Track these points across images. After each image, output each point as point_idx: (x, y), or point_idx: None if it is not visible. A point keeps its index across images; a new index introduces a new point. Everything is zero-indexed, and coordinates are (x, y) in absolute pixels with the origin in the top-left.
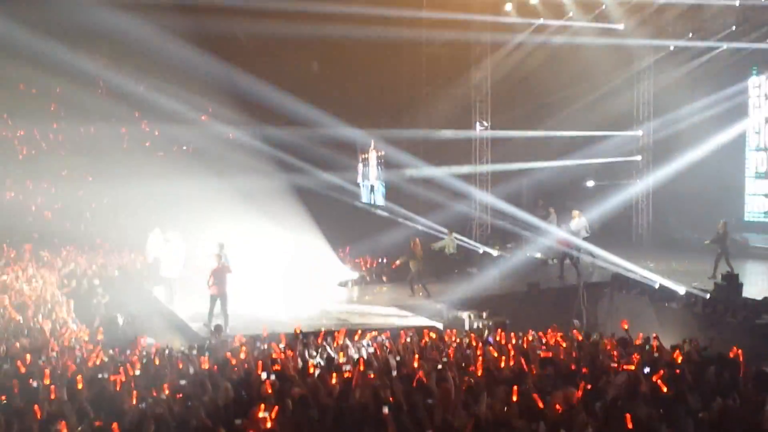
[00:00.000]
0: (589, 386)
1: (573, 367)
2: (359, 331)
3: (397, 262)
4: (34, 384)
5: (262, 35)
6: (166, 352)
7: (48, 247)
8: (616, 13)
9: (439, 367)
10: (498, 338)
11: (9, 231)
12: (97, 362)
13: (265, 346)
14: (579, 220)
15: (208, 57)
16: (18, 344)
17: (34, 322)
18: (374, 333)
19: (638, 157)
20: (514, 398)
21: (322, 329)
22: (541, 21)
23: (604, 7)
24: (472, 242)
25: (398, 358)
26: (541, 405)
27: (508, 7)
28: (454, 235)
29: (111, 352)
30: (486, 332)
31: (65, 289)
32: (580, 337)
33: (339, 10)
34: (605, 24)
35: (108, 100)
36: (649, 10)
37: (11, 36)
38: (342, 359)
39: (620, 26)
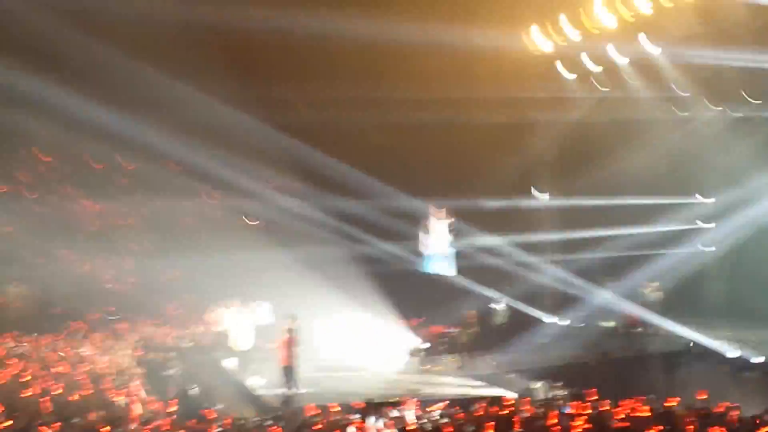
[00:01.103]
0: None
1: None
2: (430, 402)
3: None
4: None
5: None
6: (240, 422)
7: (122, 320)
8: (681, 82)
9: None
10: (572, 408)
11: (84, 304)
12: None
13: (334, 416)
14: (653, 293)
15: (273, 130)
16: (94, 416)
17: (109, 394)
18: (446, 403)
19: (711, 225)
20: None
21: (394, 399)
22: (606, 90)
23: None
24: (541, 312)
25: (471, 429)
26: None
27: (571, 77)
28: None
29: (186, 423)
30: (561, 402)
31: (139, 361)
32: (657, 408)
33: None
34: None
35: (177, 174)
36: (716, 78)
37: (77, 109)
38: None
39: (686, 94)
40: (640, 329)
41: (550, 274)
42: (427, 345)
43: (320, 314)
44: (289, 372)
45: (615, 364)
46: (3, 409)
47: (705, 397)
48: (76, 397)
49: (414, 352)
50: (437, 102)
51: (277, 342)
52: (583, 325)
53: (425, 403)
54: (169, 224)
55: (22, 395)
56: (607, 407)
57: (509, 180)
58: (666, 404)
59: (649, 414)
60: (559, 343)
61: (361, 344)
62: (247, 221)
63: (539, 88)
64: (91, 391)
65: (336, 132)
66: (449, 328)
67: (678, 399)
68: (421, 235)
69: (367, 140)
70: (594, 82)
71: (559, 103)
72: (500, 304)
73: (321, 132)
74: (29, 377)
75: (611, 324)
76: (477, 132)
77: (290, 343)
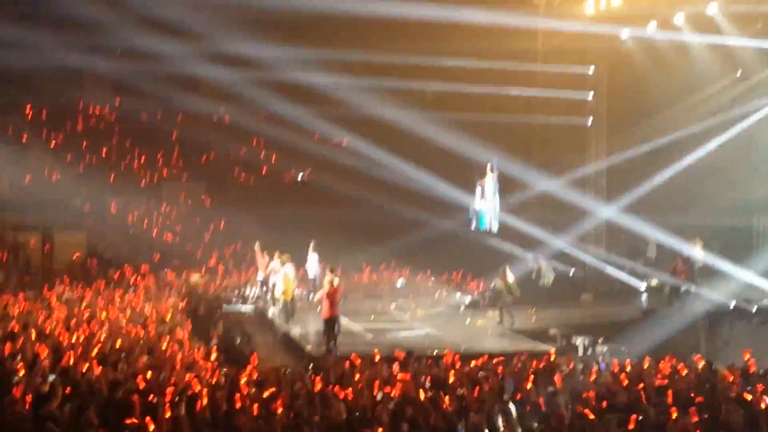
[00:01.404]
0: (705, 416)
1: (691, 395)
2: (471, 356)
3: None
4: (154, 400)
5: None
6: (282, 370)
7: (168, 268)
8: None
9: (551, 390)
10: (612, 365)
11: (132, 253)
12: (214, 380)
13: (375, 367)
14: (698, 250)
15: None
16: (138, 361)
17: (153, 341)
18: (486, 356)
19: None
20: (631, 426)
21: (435, 351)
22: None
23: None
24: (587, 267)
25: (512, 383)
26: None
27: (624, 34)
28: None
29: (226, 370)
30: (600, 358)
31: (184, 308)
32: (699, 366)
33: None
34: None
35: (226, 127)
36: None
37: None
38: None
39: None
40: (684, 287)
41: (601, 232)
42: (469, 299)
43: (363, 267)
44: (330, 323)
45: (658, 322)
46: (48, 352)
47: (748, 356)
48: (119, 343)
49: (456, 306)
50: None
51: (320, 294)
52: (631, 283)
53: (466, 356)
54: (218, 175)
55: (68, 341)
56: (647, 365)
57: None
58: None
59: (690, 372)
60: (601, 299)
61: (402, 297)
62: (300, 179)
63: None
64: (136, 338)
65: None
66: (491, 283)
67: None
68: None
69: (424, 101)
70: None
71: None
72: (542, 261)
73: (379, 90)
74: (75, 323)
75: (655, 281)
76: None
77: (332, 295)
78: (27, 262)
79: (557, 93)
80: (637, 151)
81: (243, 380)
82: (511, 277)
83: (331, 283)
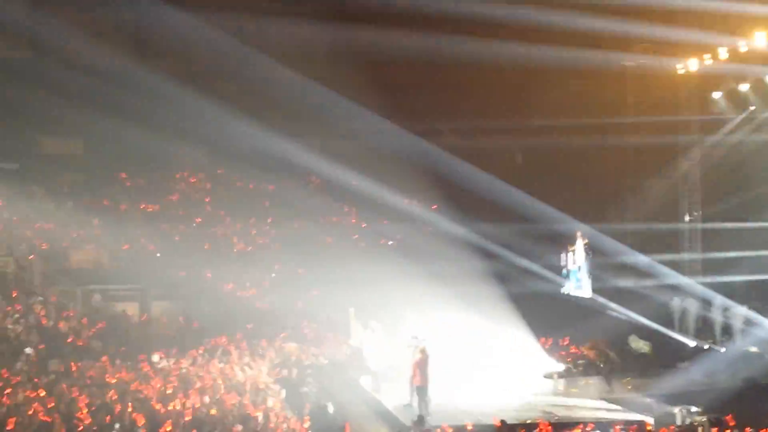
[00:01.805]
0: None
1: None
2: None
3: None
4: None
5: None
6: None
7: (261, 337)
8: None
9: None
10: None
11: (227, 321)
12: None
13: None
14: None
15: (417, 152)
16: (235, 430)
17: (247, 410)
18: (581, 426)
19: None
20: None
21: (528, 420)
22: (752, 108)
23: None
24: (681, 335)
25: None
26: None
27: (717, 95)
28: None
29: None
30: (700, 429)
31: (276, 377)
32: None
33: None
34: None
35: (316, 194)
36: None
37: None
38: None
39: None
40: None
41: (695, 296)
42: (563, 366)
43: (455, 333)
44: (421, 392)
45: (758, 391)
46: (144, 421)
47: None
48: (214, 411)
49: (549, 374)
50: (584, 125)
51: (410, 362)
52: (728, 350)
53: (560, 425)
54: (310, 244)
55: (164, 409)
56: None
57: (655, 202)
58: None
59: None
60: (699, 368)
61: (496, 364)
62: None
63: (685, 107)
64: (230, 407)
65: (481, 155)
66: (586, 351)
67: None
68: (564, 255)
69: (512, 164)
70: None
71: (706, 124)
72: (638, 341)
73: (466, 154)
74: (171, 392)
75: (755, 349)
76: (623, 154)
77: (423, 363)
78: (125, 331)
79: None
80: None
81: None
82: (609, 347)
83: (422, 350)
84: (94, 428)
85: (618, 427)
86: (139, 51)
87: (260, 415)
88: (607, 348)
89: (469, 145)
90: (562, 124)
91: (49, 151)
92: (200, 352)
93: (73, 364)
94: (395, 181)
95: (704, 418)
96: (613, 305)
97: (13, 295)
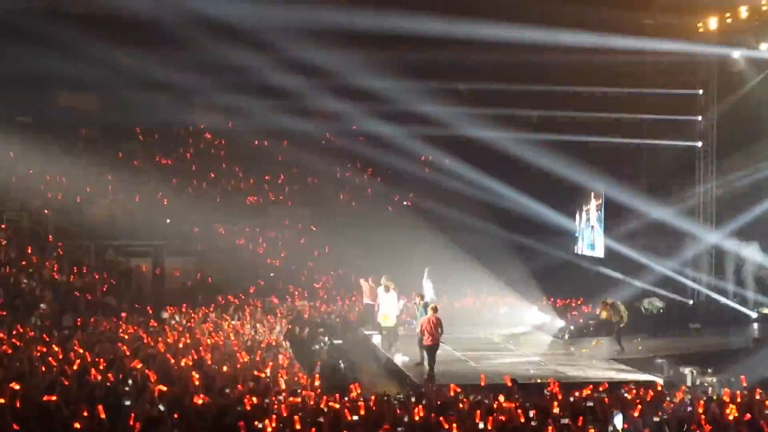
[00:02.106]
0: None
1: None
2: (575, 385)
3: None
4: (259, 426)
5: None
6: (384, 398)
7: (273, 294)
8: None
9: (657, 421)
10: (723, 396)
11: (239, 277)
12: (318, 407)
13: (478, 395)
14: None
15: (435, 110)
16: (242, 387)
17: (258, 366)
18: (590, 386)
19: None
20: None
21: (539, 380)
22: None
23: None
24: (695, 296)
25: (618, 413)
26: None
27: (736, 54)
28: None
29: (331, 397)
30: (710, 390)
31: (288, 334)
32: None
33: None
34: None
35: (331, 150)
36: None
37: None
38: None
39: None
40: None
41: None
42: (573, 326)
43: (466, 293)
44: (431, 351)
45: None
46: (157, 376)
47: None
48: (225, 368)
49: (559, 333)
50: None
51: (421, 321)
52: (740, 311)
53: (570, 385)
54: (322, 200)
55: (176, 365)
56: (759, 396)
57: (671, 162)
58: None
59: None
60: (710, 328)
61: (506, 324)
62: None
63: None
64: (240, 363)
65: (497, 115)
66: (600, 309)
67: None
68: (578, 215)
69: (528, 123)
70: None
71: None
72: (653, 299)
73: (482, 114)
74: (183, 348)
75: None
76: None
77: (433, 323)
78: (138, 287)
79: (665, 115)
80: (747, 175)
81: (346, 408)
82: (620, 305)
83: (434, 309)
84: (106, 384)
85: (628, 387)
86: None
87: (270, 372)
88: (620, 306)
89: (485, 105)
90: (579, 81)
91: (63, 104)
92: (212, 308)
93: (86, 319)
94: (411, 138)
95: (714, 379)
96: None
97: (27, 250)
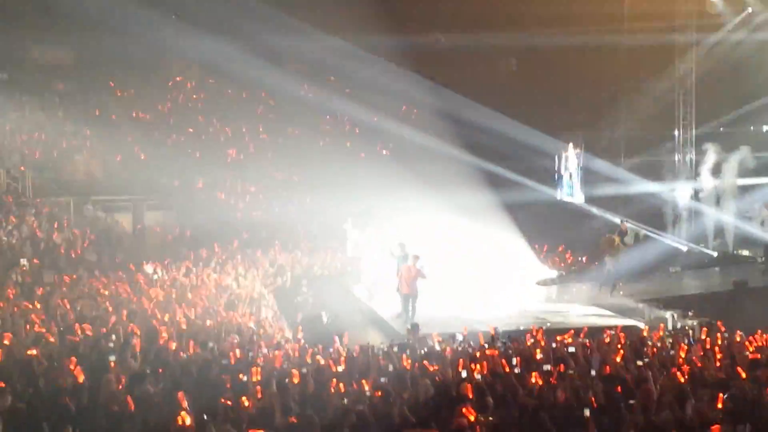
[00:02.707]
0: None
1: None
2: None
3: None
4: (244, 378)
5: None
6: (367, 349)
7: (255, 246)
8: None
9: (639, 364)
10: (704, 339)
11: (219, 231)
12: (303, 359)
13: (461, 344)
14: None
15: (409, 65)
16: (228, 340)
17: (241, 320)
18: (572, 332)
19: None
20: (719, 405)
21: (521, 328)
22: (750, 11)
23: None
24: (676, 239)
25: (599, 358)
26: None
27: None
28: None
29: (314, 349)
30: (690, 332)
31: (271, 287)
32: None
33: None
34: None
35: (310, 101)
36: None
37: (221, 46)
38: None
39: None
40: None
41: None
42: (556, 273)
43: (449, 241)
44: (407, 300)
45: (750, 294)
46: (140, 332)
47: None
48: (209, 322)
49: (542, 281)
50: (579, 29)
51: (399, 270)
52: (717, 253)
53: (552, 331)
54: (303, 151)
55: (159, 320)
56: (739, 338)
57: (651, 107)
58: None
59: None
60: (691, 272)
61: (489, 272)
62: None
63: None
64: (223, 317)
65: (475, 61)
66: (583, 257)
67: None
68: (557, 162)
69: (507, 70)
70: None
71: (702, 25)
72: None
73: (460, 60)
74: (165, 302)
75: (748, 253)
76: (618, 58)
77: (412, 272)
78: (119, 241)
79: (643, 61)
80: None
81: (331, 359)
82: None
83: (415, 258)
84: (90, 340)
85: (610, 331)
86: None
87: (253, 325)
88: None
89: (463, 52)
90: (557, 26)
91: (39, 60)
92: (194, 262)
93: (67, 276)
94: (391, 86)
95: (695, 322)
96: (603, 211)
97: (6, 207)
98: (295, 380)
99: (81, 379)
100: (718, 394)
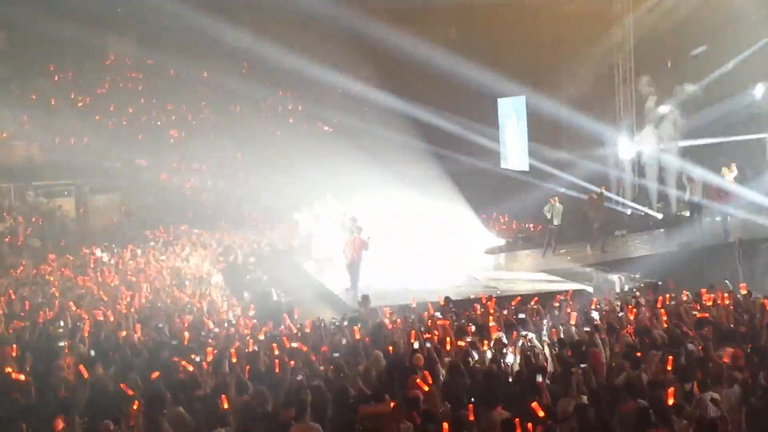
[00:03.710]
0: (749, 346)
1: (731, 327)
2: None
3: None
4: (197, 359)
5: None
6: (319, 323)
7: (202, 226)
8: None
9: (587, 330)
10: (651, 300)
11: (165, 211)
12: (255, 336)
13: (414, 316)
14: (731, 174)
15: (348, 29)
16: (179, 321)
17: (191, 300)
18: (519, 298)
19: None
20: (669, 368)
21: (471, 296)
22: None
23: None
24: (619, 202)
25: (548, 323)
26: None
27: None
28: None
29: (266, 326)
30: (638, 293)
31: (219, 266)
32: (737, 297)
33: None
34: None
35: (251, 79)
36: None
37: (158, 24)
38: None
39: None
40: (718, 217)
41: (632, 164)
42: (503, 241)
43: (396, 213)
44: (351, 269)
45: (696, 254)
46: (89, 316)
47: None
48: (159, 304)
49: (490, 249)
50: None
51: (346, 242)
52: (662, 216)
53: (502, 299)
54: (246, 129)
55: (111, 303)
56: (686, 297)
57: (591, 70)
58: (743, 292)
59: (729, 303)
60: (637, 235)
61: (438, 242)
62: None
63: None
64: (173, 298)
65: (414, 29)
66: (530, 224)
67: (744, 286)
68: (502, 129)
69: (447, 37)
70: None
71: None
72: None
73: (400, 29)
74: (115, 285)
75: (687, 213)
76: (558, 22)
77: (356, 243)
78: (62, 226)
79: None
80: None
81: (282, 335)
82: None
83: (359, 229)
84: (38, 327)
85: (559, 296)
86: None
87: (204, 305)
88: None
89: (402, 20)
90: None
91: None
92: (140, 244)
93: (12, 262)
94: (330, 58)
95: (642, 284)
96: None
97: None
98: (249, 358)
99: (23, 377)
100: (668, 355)
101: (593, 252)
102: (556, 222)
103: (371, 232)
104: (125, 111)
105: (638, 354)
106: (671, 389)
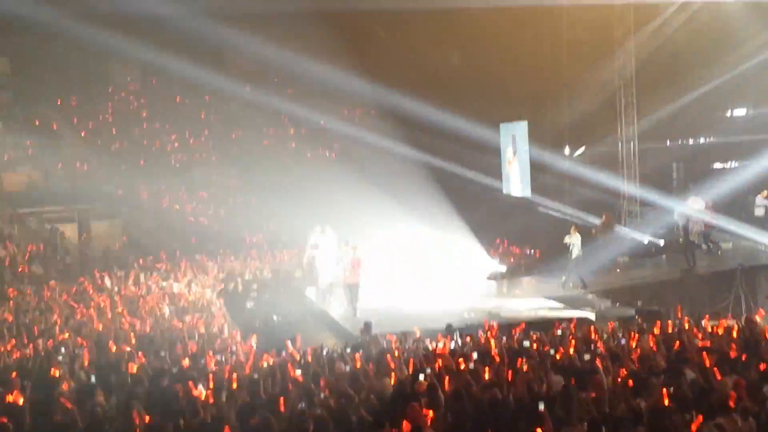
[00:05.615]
0: (751, 374)
1: (734, 354)
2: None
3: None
4: (198, 387)
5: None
6: (321, 351)
7: (203, 252)
8: None
9: (587, 358)
10: (653, 328)
11: (168, 238)
12: (258, 365)
13: (416, 343)
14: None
15: (349, 63)
16: (179, 348)
17: (193, 327)
18: (522, 325)
19: None
20: (666, 401)
21: (474, 323)
22: None
23: None
24: (622, 229)
25: (551, 351)
26: None
27: None
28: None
29: (268, 353)
30: (639, 320)
31: (221, 292)
32: (741, 323)
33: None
34: None
35: (253, 105)
36: None
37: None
38: (496, 352)
39: None
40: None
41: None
42: (505, 268)
43: (397, 238)
44: (354, 289)
45: (698, 280)
46: (89, 344)
47: None
48: (160, 331)
49: (492, 275)
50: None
51: (346, 266)
52: (663, 241)
53: (504, 326)
54: (248, 155)
55: (109, 331)
56: (688, 325)
57: (592, 97)
58: (749, 320)
59: (733, 330)
60: (639, 261)
61: (439, 268)
62: None
63: None
64: (174, 325)
65: (416, 59)
66: (531, 250)
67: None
68: (503, 156)
69: (448, 65)
70: None
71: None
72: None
73: (402, 60)
74: (117, 312)
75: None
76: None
77: (353, 263)
78: (65, 252)
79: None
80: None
81: (284, 363)
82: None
83: (354, 247)
84: (39, 355)
85: (560, 324)
86: None
87: (206, 332)
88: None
89: (404, 51)
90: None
91: None
92: (142, 270)
93: (12, 290)
94: (332, 90)
95: (645, 312)
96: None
97: None
98: (250, 386)
99: (21, 401)
100: (670, 383)
101: (595, 278)
102: (575, 254)
103: (375, 256)
104: (128, 136)
105: (640, 381)
106: (697, 420)
